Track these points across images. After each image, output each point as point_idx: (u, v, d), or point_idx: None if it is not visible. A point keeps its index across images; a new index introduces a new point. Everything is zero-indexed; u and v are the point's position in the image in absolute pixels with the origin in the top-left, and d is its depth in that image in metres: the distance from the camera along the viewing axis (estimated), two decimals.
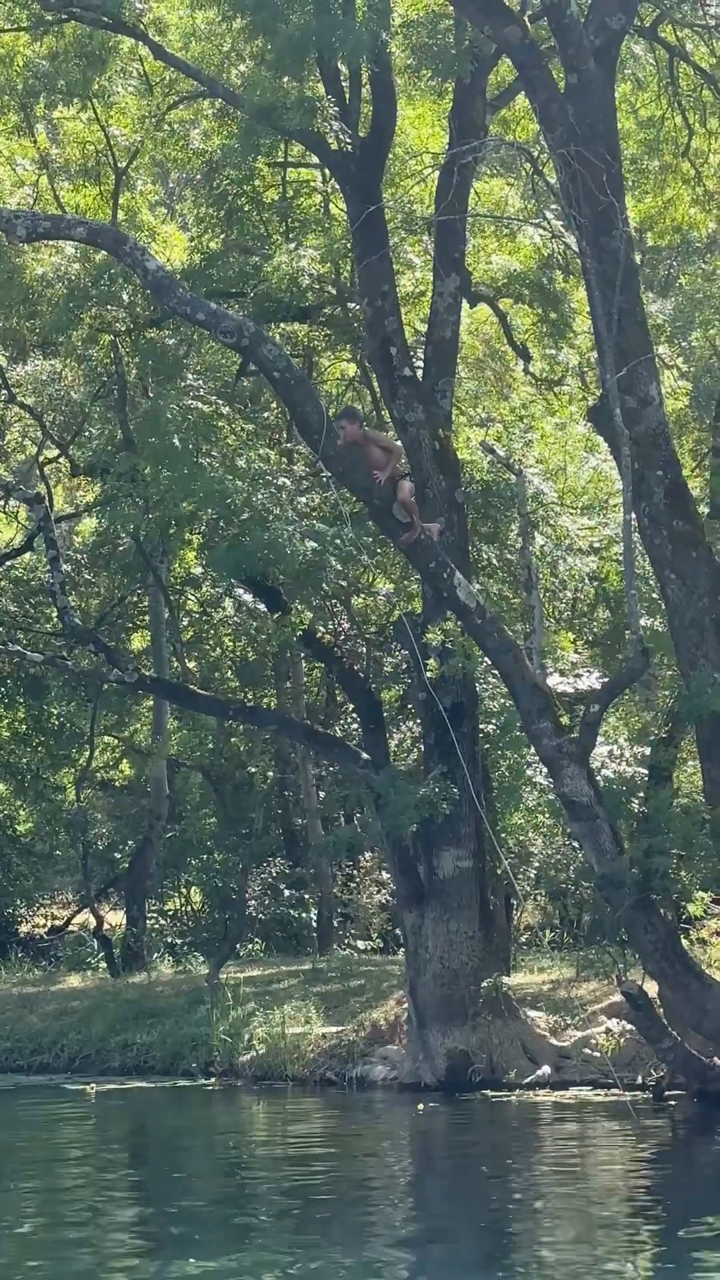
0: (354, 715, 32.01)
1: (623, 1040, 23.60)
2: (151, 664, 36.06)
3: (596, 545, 26.48)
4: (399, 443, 22.68)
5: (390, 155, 25.49)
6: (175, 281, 21.02)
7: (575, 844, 24.03)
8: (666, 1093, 22.07)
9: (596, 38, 20.53)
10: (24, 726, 40.29)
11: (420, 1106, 22.89)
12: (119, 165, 28.83)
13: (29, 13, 26.18)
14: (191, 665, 36.06)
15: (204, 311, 20.44)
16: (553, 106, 20.33)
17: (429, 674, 23.10)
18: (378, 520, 21.28)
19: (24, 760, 41.36)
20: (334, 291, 26.86)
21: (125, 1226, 16.97)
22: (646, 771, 21.80)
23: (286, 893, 37.51)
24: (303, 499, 25.08)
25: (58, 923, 43.87)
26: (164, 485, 24.77)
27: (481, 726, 24.88)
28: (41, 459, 33.62)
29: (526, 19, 21.40)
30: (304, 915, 37.62)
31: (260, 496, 23.51)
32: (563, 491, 26.52)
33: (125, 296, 27.18)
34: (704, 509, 22.03)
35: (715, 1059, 21.32)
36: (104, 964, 36.73)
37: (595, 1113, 22.08)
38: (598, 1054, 23.67)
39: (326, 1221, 16.44)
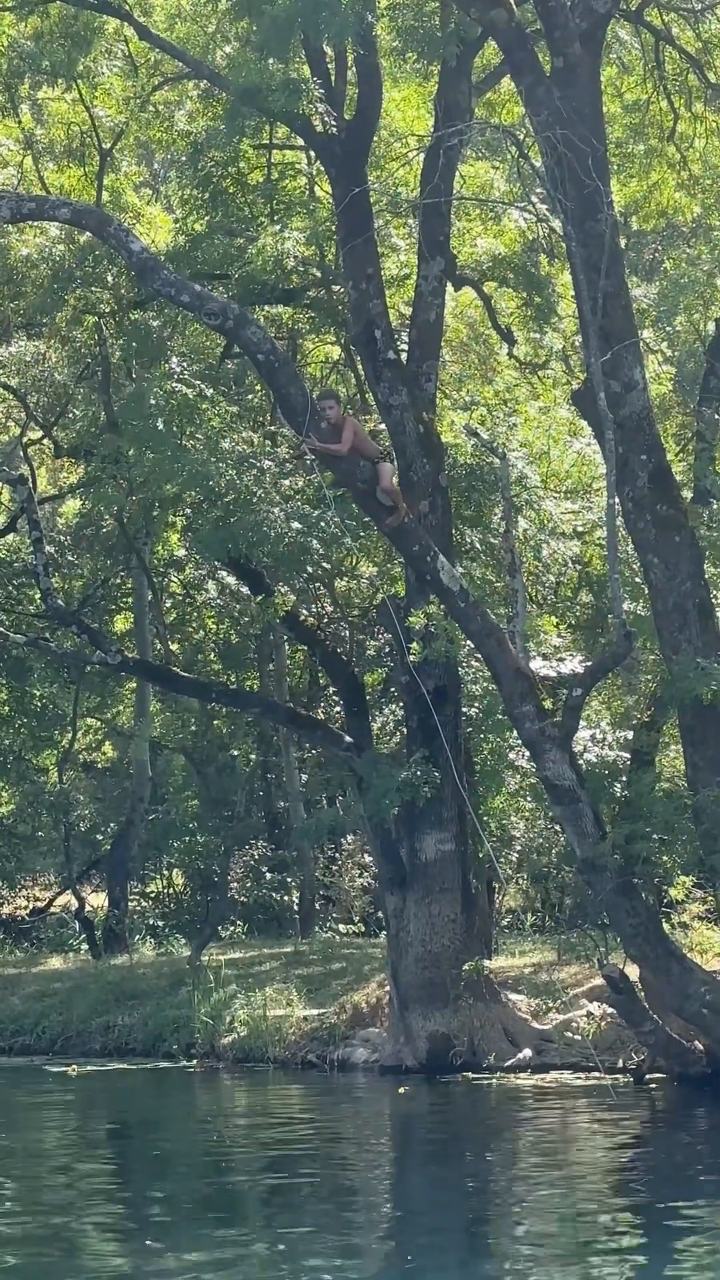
0: (337, 698, 32.00)
1: (604, 1024, 23.66)
2: (134, 646, 36.03)
3: (580, 529, 26.46)
4: (382, 426, 22.63)
5: (375, 138, 25.45)
6: (160, 263, 20.99)
7: (557, 828, 24.05)
8: (647, 1076, 22.13)
9: (583, 21, 20.52)
10: (6, 708, 40.24)
11: (401, 1089, 22.93)
12: (104, 146, 28.76)
13: None
14: (174, 647, 36.04)
15: (188, 293, 20.41)
16: (538, 90, 20.31)
17: (412, 657, 23.09)
18: (361, 503, 21.28)
19: (6, 741, 41.30)
20: (319, 274, 26.82)
21: (105, 1210, 16.97)
22: (629, 755, 21.82)
23: (268, 875, 37.54)
24: (286, 481, 25.05)
25: (39, 904, 43.85)
26: (148, 467, 24.73)
27: (464, 710, 24.87)
28: (25, 440, 33.58)
29: (512, 2, 21.37)
30: (286, 898, 37.66)
31: (244, 479, 23.49)
32: (546, 475, 26.50)
33: (109, 278, 27.16)
34: (687, 494, 22.05)
35: (696, 1043, 21.37)
36: (86, 946, 36.77)
37: (576, 1096, 22.12)
38: (579, 1037, 23.71)
39: (307, 1203, 16.46)
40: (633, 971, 21.45)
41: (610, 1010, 22.75)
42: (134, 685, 38.07)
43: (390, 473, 20.56)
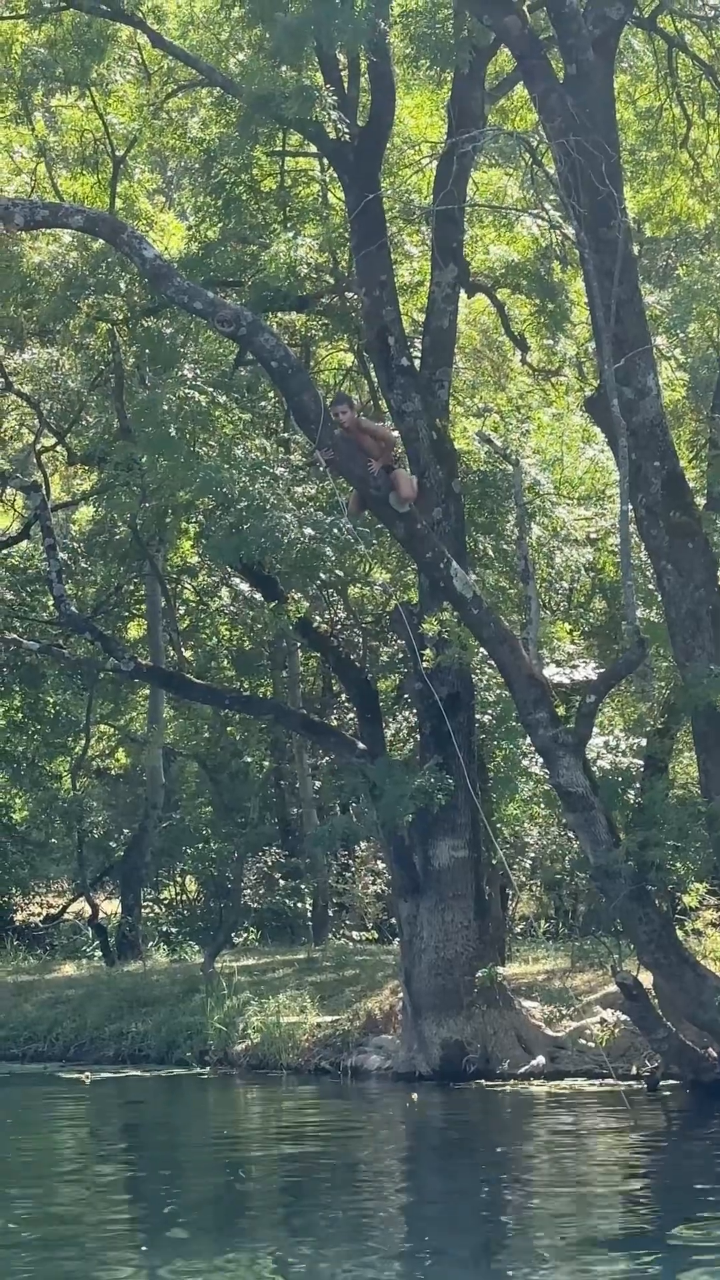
0: (350, 705, 31.99)
1: (617, 1031, 23.64)
2: (148, 652, 36.05)
3: (593, 536, 26.47)
4: (395, 432, 22.69)
5: (388, 144, 25.46)
6: (173, 270, 21.02)
7: (571, 834, 24.05)
8: (661, 1083, 22.10)
9: (596, 28, 20.54)
10: (20, 715, 40.29)
11: (414, 1096, 22.90)
12: (117, 153, 28.79)
13: (27, 0, 26.14)
14: (188, 654, 36.05)
15: (201, 300, 20.45)
16: (551, 97, 20.33)
17: (425, 664, 23.10)
18: (374, 510, 21.29)
19: (20, 748, 41.37)
20: (332, 281, 26.83)
21: (118, 1216, 16.98)
22: (642, 762, 21.80)
23: (282, 882, 37.52)
24: (299, 488, 25.06)
25: (53, 911, 43.87)
26: (161, 474, 24.75)
27: (478, 717, 24.88)
28: (38, 447, 33.60)
29: (526, 9, 21.42)
30: (299, 904, 37.64)
31: (257, 486, 23.51)
32: (559, 482, 26.51)
33: (123, 285, 27.17)
34: (701, 500, 22.06)
35: (709, 1050, 21.34)
36: (99, 952, 36.78)
37: (589, 1103, 22.10)
38: (592, 1044, 23.70)
39: (320, 1210, 16.45)
40: (646, 978, 21.44)
41: (624, 1017, 22.75)
42: (147, 692, 38.09)
43: (406, 480, 20.58)
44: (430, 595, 23.59)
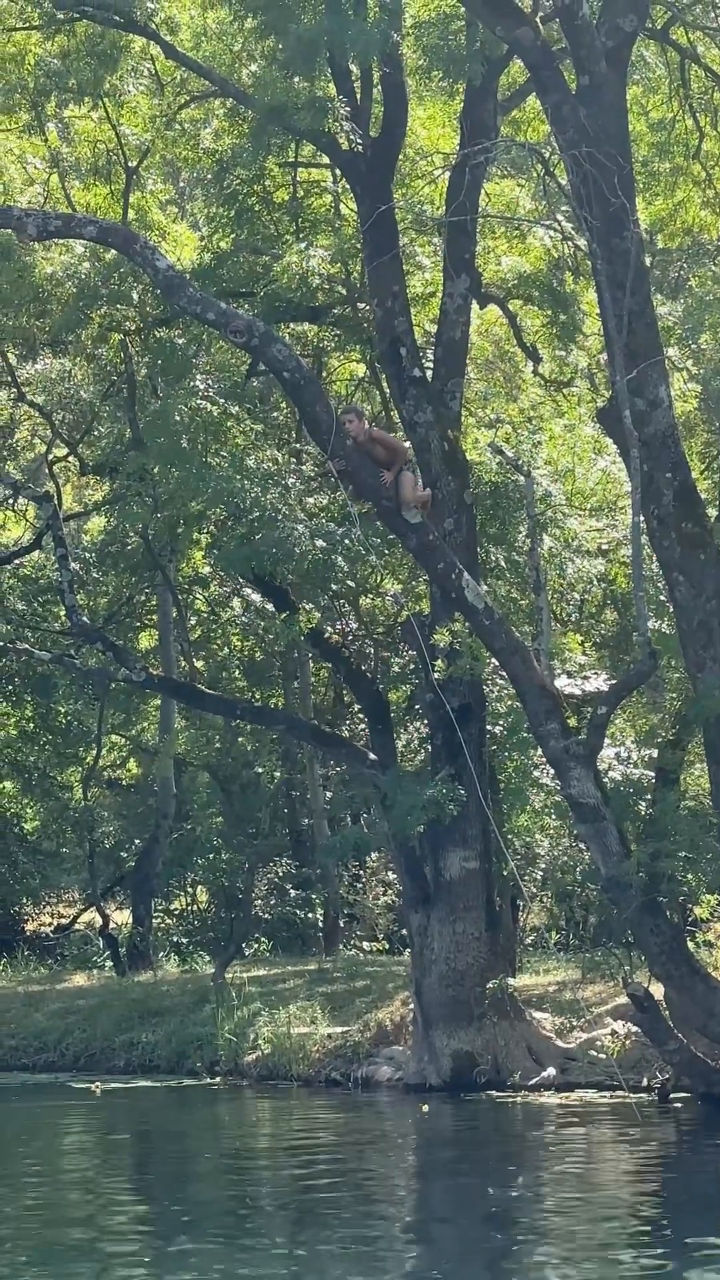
0: (361, 715, 31.99)
1: (628, 1042, 23.60)
2: (159, 663, 36.06)
3: (605, 547, 26.47)
4: (407, 443, 22.70)
5: (401, 156, 25.48)
6: (185, 281, 21.05)
7: (582, 846, 24.01)
8: (671, 1095, 22.06)
9: (608, 39, 20.53)
10: (31, 725, 40.34)
11: (425, 1107, 22.88)
12: (129, 164, 28.84)
13: (41, 11, 26.19)
14: (199, 664, 36.06)
15: (214, 311, 20.48)
16: (564, 108, 20.32)
17: (436, 675, 23.09)
18: (386, 520, 21.30)
19: (31, 759, 41.42)
20: (344, 292, 26.85)
21: (128, 1225, 16.96)
22: (653, 774, 21.78)
23: (292, 893, 37.52)
24: (311, 499, 25.08)
25: (64, 921, 43.90)
26: (173, 484, 24.79)
27: (489, 727, 24.87)
28: (50, 457, 33.65)
29: (538, 20, 21.41)
30: (310, 915, 37.63)
31: (269, 496, 23.53)
32: (571, 493, 26.51)
33: (135, 295, 27.20)
34: (713, 511, 22.02)
35: None
36: (110, 962, 36.77)
37: (600, 1115, 22.06)
38: (603, 1056, 23.66)
39: (329, 1222, 16.42)
40: (657, 990, 21.41)
41: (635, 1029, 22.70)
42: (158, 702, 38.10)
43: (413, 482, 20.56)
44: (442, 606, 23.60)
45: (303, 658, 35.89)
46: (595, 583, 26.70)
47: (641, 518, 20.37)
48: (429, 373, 24.75)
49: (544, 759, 21.75)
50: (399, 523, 20.76)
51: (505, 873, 24.71)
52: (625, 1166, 19.08)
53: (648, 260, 23.87)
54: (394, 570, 27.55)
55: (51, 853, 43.09)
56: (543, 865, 30.96)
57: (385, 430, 24.00)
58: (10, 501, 35.07)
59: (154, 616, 37.92)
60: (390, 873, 34.99)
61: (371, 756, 26.30)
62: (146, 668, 30.64)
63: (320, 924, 37.43)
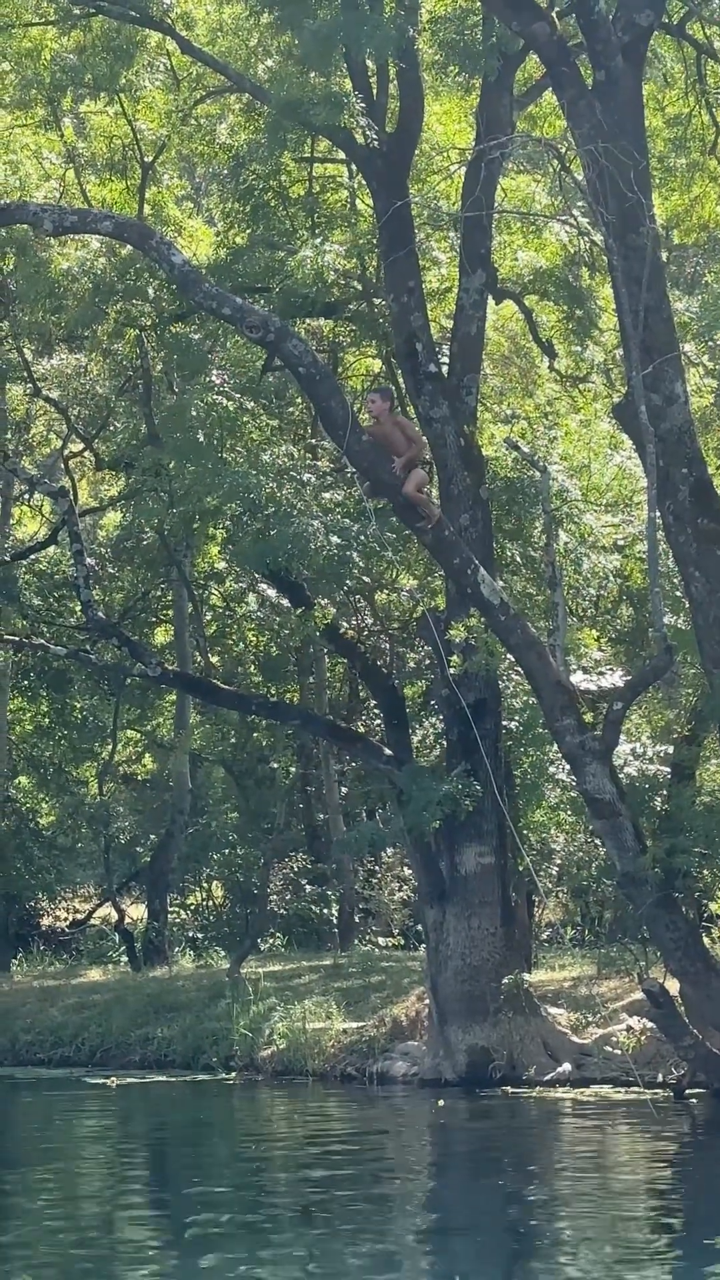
0: (377, 711, 31.98)
1: (644, 1038, 23.58)
2: (175, 658, 36.08)
3: (620, 543, 26.43)
4: (425, 437, 22.68)
5: (417, 151, 25.47)
6: (201, 276, 21.06)
7: (597, 841, 24.01)
8: (687, 1091, 22.06)
9: (624, 34, 20.48)
10: (47, 720, 40.36)
11: (440, 1102, 22.89)
12: (145, 159, 28.86)
13: (57, 6, 26.25)
14: (214, 660, 36.09)
15: (229, 306, 20.47)
16: (580, 103, 20.29)
17: (452, 670, 23.09)
18: (401, 515, 21.29)
19: (47, 754, 41.45)
20: (359, 287, 26.85)
21: (144, 1218, 16.99)
22: (669, 769, 21.77)
23: (308, 888, 37.53)
24: (327, 494, 25.07)
25: (79, 916, 43.95)
26: (188, 480, 24.79)
27: (504, 723, 24.87)
28: (66, 453, 33.68)
29: (554, 15, 21.37)
30: (325, 910, 37.63)
31: (284, 491, 23.53)
32: (587, 489, 26.47)
33: (151, 291, 27.22)
34: None
35: None
36: (125, 957, 36.80)
37: (615, 1110, 22.06)
38: (618, 1052, 23.64)
39: (345, 1216, 16.43)
40: (673, 986, 21.39)
41: (650, 1025, 22.70)
42: (174, 697, 38.13)
43: (419, 480, 20.50)
44: (457, 601, 23.58)
45: (318, 653, 35.89)
46: (611, 578, 26.65)
47: (657, 513, 20.34)
48: (445, 368, 24.74)
49: (559, 754, 21.75)
50: (413, 518, 20.73)
51: (521, 868, 24.71)
52: (641, 1161, 19.07)
53: (664, 255, 23.82)
54: (409, 566, 27.55)
55: (67, 848, 43.10)
56: (558, 861, 30.99)
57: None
58: (26, 496, 35.15)
59: (169, 612, 37.92)
60: (405, 868, 35.00)
61: (387, 752, 26.30)
62: (162, 663, 30.66)
63: (335, 919, 37.43)
